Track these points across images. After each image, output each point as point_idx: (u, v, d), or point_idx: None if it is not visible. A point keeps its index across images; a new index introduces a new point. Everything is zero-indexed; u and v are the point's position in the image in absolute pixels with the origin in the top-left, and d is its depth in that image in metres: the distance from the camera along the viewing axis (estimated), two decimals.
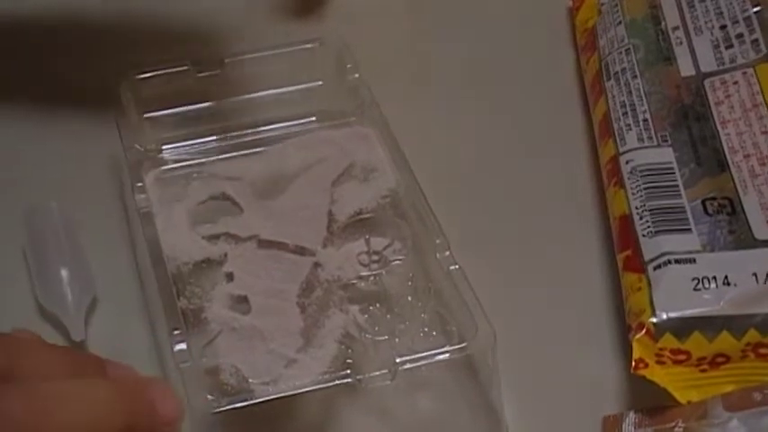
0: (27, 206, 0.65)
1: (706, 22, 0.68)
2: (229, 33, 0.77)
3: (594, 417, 0.57)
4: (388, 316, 0.58)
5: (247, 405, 0.53)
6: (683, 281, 0.57)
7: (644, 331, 0.56)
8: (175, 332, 0.55)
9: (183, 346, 0.54)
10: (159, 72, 0.68)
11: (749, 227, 0.59)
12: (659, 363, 0.56)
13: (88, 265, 0.63)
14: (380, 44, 0.76)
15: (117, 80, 0.67)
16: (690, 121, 0.64)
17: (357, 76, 0.68)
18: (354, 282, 0.59)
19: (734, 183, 0.60)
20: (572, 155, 0.71)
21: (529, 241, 0.66)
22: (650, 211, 0.61)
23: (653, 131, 0.64)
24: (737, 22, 0.67)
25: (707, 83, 0.66)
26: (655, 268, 0.58)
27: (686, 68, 0.67)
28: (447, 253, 0.58)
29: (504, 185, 0.69)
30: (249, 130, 0.68)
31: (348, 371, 0.54)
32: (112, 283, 0.63)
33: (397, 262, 0.60)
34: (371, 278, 0.60)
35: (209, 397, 0.53)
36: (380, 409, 0.57)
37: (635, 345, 0.56)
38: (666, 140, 0.64)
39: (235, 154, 0.66)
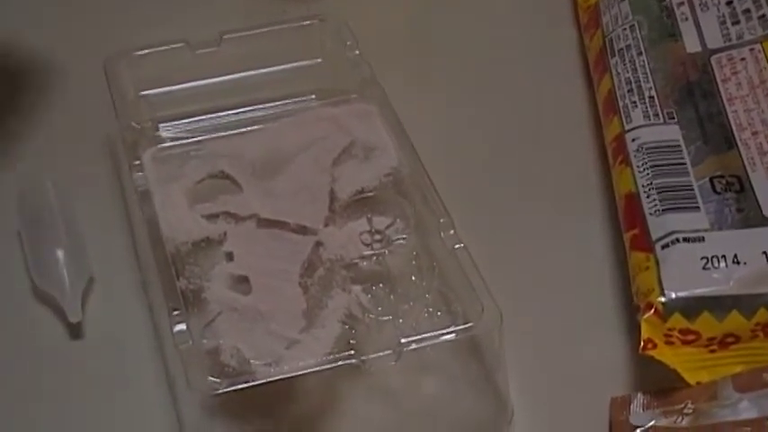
0: (22, 185, 0.64)
1: None
2: (227, 10, 0.77)
3: (602, 399, 0.57)
4: (392, 296, 0.58)
5: (249, 387, 0.52)
6: (691, 260, 0.56)
7: (652, 311, 0.55)
8: (175, 313, 0.54)
9: (182, 326, 0.53)
10: (156, 50, 0.67)
11: (758, 204, 0.58)
12: (668, 343, 0.55)
13: (84, 245, 0.62)
14: (381, 20, 0.76)
15: (113, 58, 0.67)
16: (696, 98, 0.63)
17: (357, 53, 0.67)
18: (357, 261, 0.58)
19: (742, 160, 0.60)
20: (576, 133, 0.70)
21: (534, 220, 0.65)
22: (657, 189, 0.60)
23: (659, 108, 0.63)
24: None
25: (713, 59, 0.65)
26: (663, 247, 0.57)
27: (692, 45, 0.66)
28: (451, 232, 0.57)
29: (508, 163, 0.68)
30: (248, 108, 0.67)
31: (351, 352, 0.53)
32: (110, 264, 0.62)
33: (401, 241, 0.59)
34: (374, 257, 0.59)
35: (209, 378, 0.52)
36: (384, 390, 0.56)
37: (643, 325, 0.55)
38: (673, 118, 0.63)
39: (233, 132, 0.65)
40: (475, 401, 0.57)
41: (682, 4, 0.68)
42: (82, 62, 0.72)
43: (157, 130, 0.66)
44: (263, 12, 0.76)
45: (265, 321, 0.55)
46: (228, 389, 0.51)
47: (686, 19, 0.67)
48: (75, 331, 0.60)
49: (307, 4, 0.77)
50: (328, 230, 0.59)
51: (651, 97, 0.64)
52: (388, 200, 0.61)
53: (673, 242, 0.57)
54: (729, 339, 0.55)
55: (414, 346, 0.53)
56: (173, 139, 0.65)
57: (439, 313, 0.57)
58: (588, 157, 0.68)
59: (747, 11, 0.66)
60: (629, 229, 0.60)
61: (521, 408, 0.56)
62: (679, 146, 0.61)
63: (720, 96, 0.63)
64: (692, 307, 0.55)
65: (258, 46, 0.68)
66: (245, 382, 0.52)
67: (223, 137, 0.65)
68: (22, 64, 0.74)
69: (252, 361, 0.53)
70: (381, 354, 0.53)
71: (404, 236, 0.59)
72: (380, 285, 0.58)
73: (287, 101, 0.68)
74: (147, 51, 0.67)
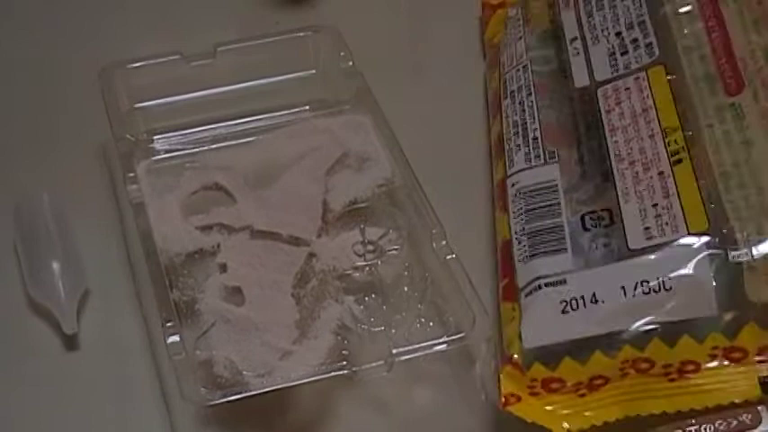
0: (17, 198, 0.64)
1: (602, 30, 0.65)
2: (221, 22, 0.77)
3: None
4: (384, 306, 0.58)
5: (242, 398, 0.52)
6: (551, 305, 0.54)
7: (512, 364, 0.54)
8: (168, 324, 0.54)
9: (175, 338, 0.54)
10: (150, 62, 0.67)
11: (625, 237, 0.55)
12: (533, 395, 0.53)
13: (80, 257, 0.62)
14: (374, 32, 0.76)
15: (108, 70, 0.67)
16: (580, 132, 0.61)
17: (351, 64, 0.67)
18: (350, 272, 0.59)
19: (616, 192, 0.57)
20: None
21: None
22: (528, 234, 0.58)
23: (541, 150, 0.61)
24: (632, 27, 0.64)
25: (600, 92, 0.62)
26: (527, 295, 0.56)
27: (581, 79, 0.63)
28: (443, 242, 0.58)
29: None
30: (242, 120, 0.68)
31: (344, 362, 0.54)
32: (104, 275, 0.62)
33: (393, 252, 0.60)
34: (367, 268, 0.59)
35: (202, 389, 0.52)
36: (377, 400, 0.56)
37: (503, 379, 0.53)
38: (554, 157, 0.60)
39: (227, 144, 0.66)
40: (467, 410, 0.57)
41: (575, 39, 0.65)
42: (77, 74, 0.72)
43: (152, 142, 0.66)
44: (257, 23, 0.76)
45: (258, 332, 0.55)
46: (222, 400, 0.52)
47: (577, 53, 0.65)
48: (71, 342, 0.60)
49: (301, 14, 0.77)
50: (321, 241, 0.60)
51: (535, 138, 0.62)
52: (380, 211, 0.61)
53: (535, 289, 0.55)
54: (598, 381, 0.53)
55: (406, 356, 0.54)
56: (167, 151, 0.66)
57: (431, 323, 0.57)
58: None
59: (635, 40, 0.63)
60: (502, 278, 0.58)
61: (512, 417, 0.56)
62: (555, 185, 0.59)
63: (603, 129, 0.60)
64: (551, 354, 0.53)
65: (252, 58, 0.69)
66: (238, 394, 0.52)
67: (217, 148, 0.65)
68: (17, 77, 0.74)
69: (245, 372, 0.53)
70: (374, 364, 0.53)
71: (396, 246, 0.60)
72: (373, 296, 0.58)
73: (281, 112, 0.68)
74: (141, 64, 0.67)
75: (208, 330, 0.56)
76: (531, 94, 0.64)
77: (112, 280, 0.62)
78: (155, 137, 0.66)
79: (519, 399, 0.53)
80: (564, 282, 0.55)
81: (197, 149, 0.66)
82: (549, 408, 0.53)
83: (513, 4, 0.72)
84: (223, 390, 0.52)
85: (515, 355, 0.54)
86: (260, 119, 0.68)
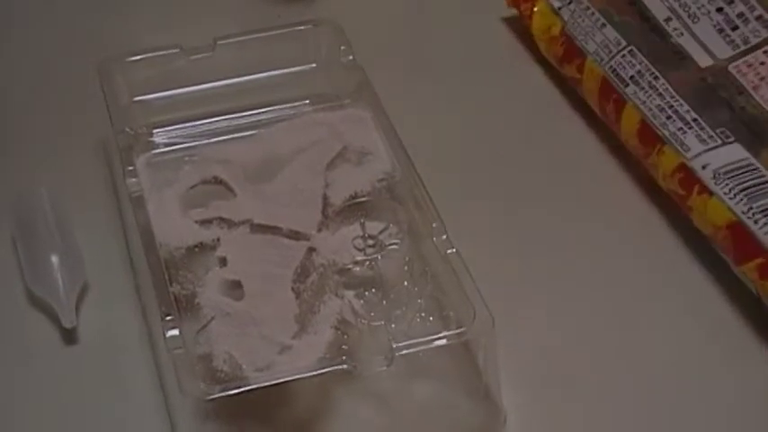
0: (17, 192, 0.64)
1: (699, 8, 0.66)
2: (221, 15, 0.77)
3: (591, 408, 0.57)
4: (384, 301, 0.58)
5: (241, 392, 0.52)
6: None
7: None
8: (167, 318, 0.54)
9: (175, 332, 0.53)
10: (150, 55, 0.67)
11: None
12: None
13: (79, 251, 0.62)
14: (375, 26, 0.76)
15: (107, 63, 0.67)
16: (736, 108, 0.62)
17: (351, 58, 0.67)
18: (350, 266, 0.59)
19: None
20: (567, 137, 0.70)
21: (526, 224, 0.65)
22: (761, 211, 0.59)
23: (709, 129, 0.62)
24: (732, 1, 0.65)
25: (732, 69, 0.64)
26: None
27: (702, 59, 0.65)
28: (444, 237, 0.57)
29: (501, 168, 0.68)
30: (242, 114, 0.67)
31: (344, 357, 0.53)
32: (103, 269, 0.62)
33: (393, 246, 0.59)
34: (367, 263, 0.59)
35: (201, 384, 0.52)
36: (377, 395, 0.56)
37: None
38: (728, 136, 0.62)
39: (227, 137, 0.66)
40: (467, 405, 0.57)
41: (669, 19, 0.66)
42: (76, 68, 0.72)
43: (151, 135, 0.66)
44: (258, 17, 0.76)
45: (258, 326, 0.55)
46: (221, 394, 0.52)
47: (681, 34, 0.66)
48: (70, 336, 0.60)
49: (301, 7, 0.77)
50: (321, 236, 0.59)
51: (695, 119, 0.63)
52: (381, 205, 0.61)
53: None
54: None
55: (406, 351, 0.53)
56: (167, 145, 0.66)
57: (431, 318, 0.57)
58: (579, 161, 0.68)
59: (741, 14, 0.65)
60: (749, 258, 0.59)
61: (513, 411, 0.56)
62: (752, 164, 0.60)
63: (760, 102, 0.62)
64: None
65: (252, 51, 0.68)
66: (238, 388, 0.52)
67: (217, 142, 0.65)
68: (16, 70, 0.74)
69: (244, 366, 0.53)
70: (374, 359, 0.53)
71: (396, 241, 0.60)
72: (373, 291, 0.58)
73: (281, 106, 0.68)
74: (141, 57, 0.67)
75: (207, 324, 0.55)
76: (657, 77, 0.65)
77: (112, 274, 0.62)
78: (154, 130, 0.66)
79: None
80: None
81: (197, 143, 0.66)
82: None
83: None
84: (222, 384, 0.52)
85: None
86: (260, 113, 0.67)
